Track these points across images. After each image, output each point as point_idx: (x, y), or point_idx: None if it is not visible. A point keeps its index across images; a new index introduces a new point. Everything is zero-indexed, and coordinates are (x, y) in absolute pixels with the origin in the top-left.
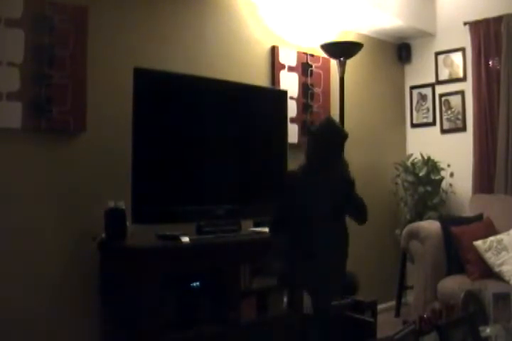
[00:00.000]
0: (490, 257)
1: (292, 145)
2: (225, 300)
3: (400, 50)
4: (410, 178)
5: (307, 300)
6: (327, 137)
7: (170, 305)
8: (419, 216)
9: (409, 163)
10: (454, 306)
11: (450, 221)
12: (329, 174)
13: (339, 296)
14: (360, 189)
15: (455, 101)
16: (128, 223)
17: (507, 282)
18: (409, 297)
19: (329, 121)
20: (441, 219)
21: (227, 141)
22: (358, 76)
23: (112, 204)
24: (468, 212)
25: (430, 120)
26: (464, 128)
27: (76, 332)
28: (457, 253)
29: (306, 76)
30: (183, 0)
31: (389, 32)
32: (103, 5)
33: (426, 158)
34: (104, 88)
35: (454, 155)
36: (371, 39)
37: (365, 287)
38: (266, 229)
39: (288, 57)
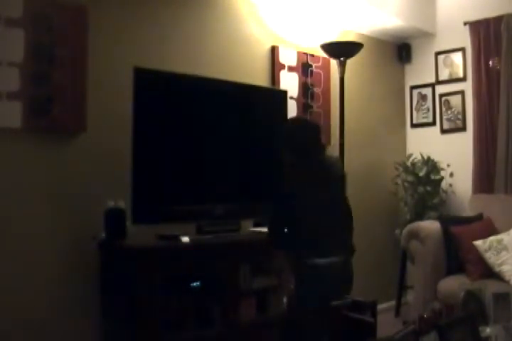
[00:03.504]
0: (490, 257)
1: None
2: (224, 300)
3: (400, 50)
4: (410, 178)
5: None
6: (304, 135)
7: (170, 305)
8: (419, 216)
9: (409, 163)
10: (454, 306)
11: (450, 221)
12: (326, 170)
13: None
14: (361, 189)
15: (455, 101)
16: (128, 223)
17: (507, 282)
18: (409, 297)
19: (294, 120)
20: (441, 219)
21: (227, 140)
22: (358, 76)
23: (111, 204)
24: (468, 211)
25: (430, 120)
26: (463, 128)
27: (76, 332)
28: (457, 253)
29: (306, 76)
30: (183, 0)
31: (389, 32)
32: (103, 5)
33: (426, 158)
34: (104, 88)
35: (453, 155)
36: (371, 39)
37: (365, 287)
38: (266, 229)
39: (288, 57)
